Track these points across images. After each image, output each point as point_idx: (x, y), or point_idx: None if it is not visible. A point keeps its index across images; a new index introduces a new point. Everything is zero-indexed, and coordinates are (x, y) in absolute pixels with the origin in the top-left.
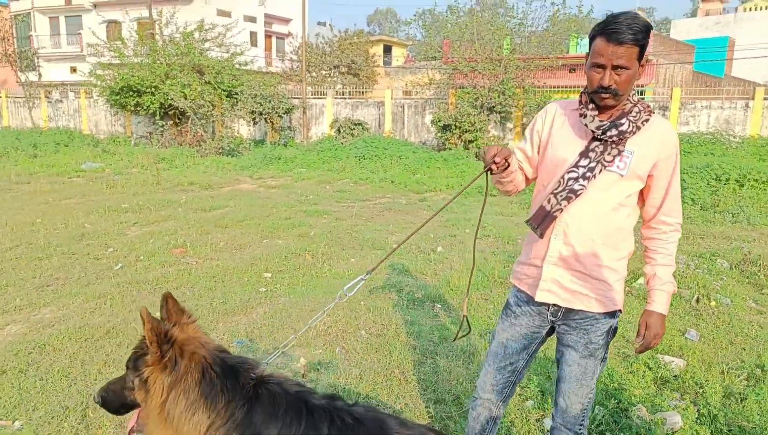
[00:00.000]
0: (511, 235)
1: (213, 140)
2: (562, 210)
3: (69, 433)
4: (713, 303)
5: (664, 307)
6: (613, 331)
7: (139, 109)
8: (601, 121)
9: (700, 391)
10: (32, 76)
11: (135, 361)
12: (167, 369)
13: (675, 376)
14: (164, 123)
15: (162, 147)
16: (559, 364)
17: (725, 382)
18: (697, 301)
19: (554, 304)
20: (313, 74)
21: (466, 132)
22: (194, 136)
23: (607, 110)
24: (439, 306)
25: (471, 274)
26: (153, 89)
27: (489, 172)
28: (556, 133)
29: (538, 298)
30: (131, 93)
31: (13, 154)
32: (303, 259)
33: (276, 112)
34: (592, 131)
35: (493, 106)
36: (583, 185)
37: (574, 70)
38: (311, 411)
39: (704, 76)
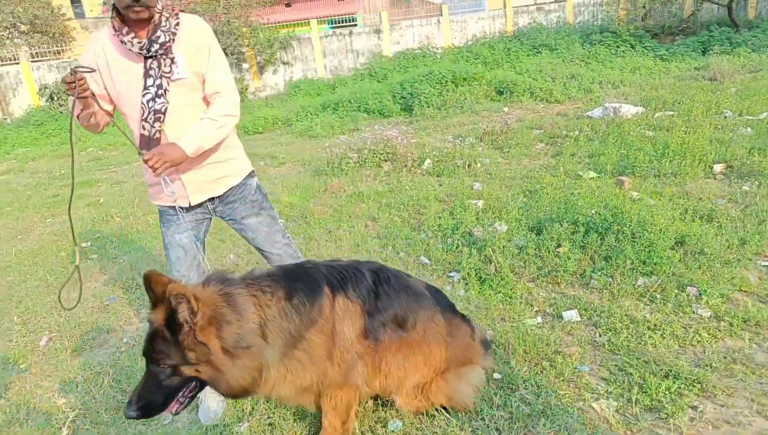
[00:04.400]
0: (304, 158)
1: None
2: (160, 131)
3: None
4: (479, 165)
5: (185, 142)
6: (259, 187)
7: None
8: (140, 40)
9: (502, 212)
10: None
11: (175, 345)
12: (211, 321)
13: (483, 210)
14: None
15: None
16: (249, 239)
17: (513, 204)
18: (469, 165)
19: (212, 197)
20: None
21: None
22: None
23: (143, 25)
24: (283, 221)
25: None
26: None
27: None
28: (113, 64)
29: (195, 202)
30: None
31: None
32: (114, 223)
33: None
34: (139, 53)
35: (225, 49)
36: (163, 102)
37: (290, 5)
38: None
39: (399, 1)
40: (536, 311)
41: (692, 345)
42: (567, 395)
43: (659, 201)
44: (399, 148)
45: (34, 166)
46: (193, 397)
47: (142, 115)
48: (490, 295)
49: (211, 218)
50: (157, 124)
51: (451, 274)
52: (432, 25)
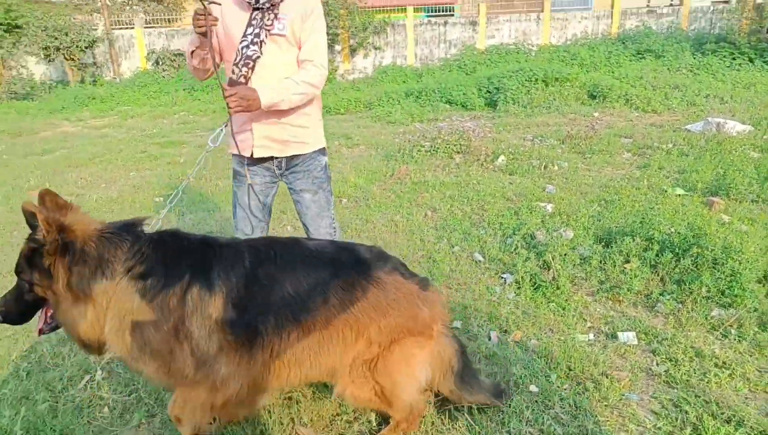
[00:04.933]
0: (378, 142)
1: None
2: (246, 77)
3: None
4: (556, 167)
5: (264, 92)
6: (326, 167)
7: None
8: None
9: (570, 218)
10: None
11: (29, 261)
12: (65, 252)
13: (551, 214)
14: None
15: None
16: (299, 213)
17: (584, 211)
18: (545, 167)
19: (275, 157)
20: (108, 2)
21: None
22: None
23: None
24: (345, 200)
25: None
26: None
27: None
28: (226, 14)
29: (256, 155)
30: None
31: None
32: (188, 182)
33: (77, 46)
34: (248, 2)
35: None
36: (255, 50)
37: None
38: (206, 241)
39: None
40: (589, 327)
41: (765, 392)
42: (608, 422)
43: (752, 228)
44: (474, 141)
45: (131, 123)
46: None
47: (235, 60)
48: (542, 302)
49: (278, 184)
50: (244, 69)
51: (505, 275)
52: (531, 21)
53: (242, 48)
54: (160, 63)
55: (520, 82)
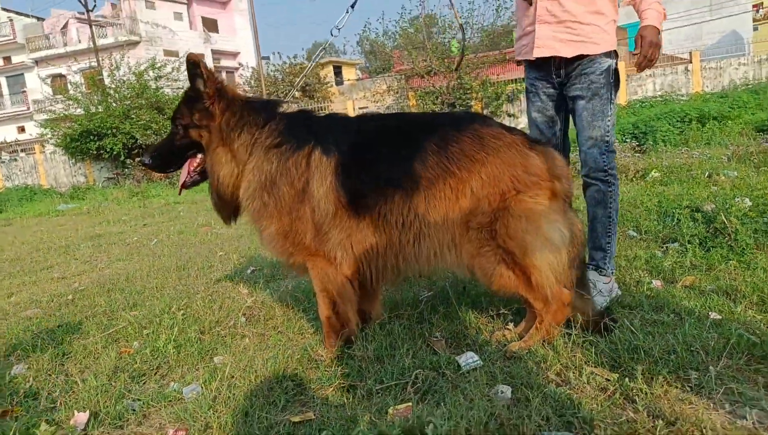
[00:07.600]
0: None
1: None
2: None
3: (174, 319)
4: (722, 177)
5: (656, 21)
6: (613, 72)
7: (101, 152)
8: None
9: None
10: None
11: (189, 105)
12: (221, 98)
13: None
14: (132, 162)
15: (133, 185)
16: (575, 123)
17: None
18: (709, 176)
19: (555, 58)
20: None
21: None
22: None
23: None
24: None
25: None
26: (114, 130)
27: None
28: None
29: (536, 55)
30: (91, 137)
31: None
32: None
33: None
34: None
35: (454, 102)
36: None
37: (521, 63)
38: (329, 116)
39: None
40: None
41: None
42: None
43: None
44: (619, 160)
45: None
46: (201, 175)
47: None
48: (717, 260)
49: (558, 95)
50: None
51: (666, 244)
52: (678, 73)
53: None
54: None
55: (671, 122)
